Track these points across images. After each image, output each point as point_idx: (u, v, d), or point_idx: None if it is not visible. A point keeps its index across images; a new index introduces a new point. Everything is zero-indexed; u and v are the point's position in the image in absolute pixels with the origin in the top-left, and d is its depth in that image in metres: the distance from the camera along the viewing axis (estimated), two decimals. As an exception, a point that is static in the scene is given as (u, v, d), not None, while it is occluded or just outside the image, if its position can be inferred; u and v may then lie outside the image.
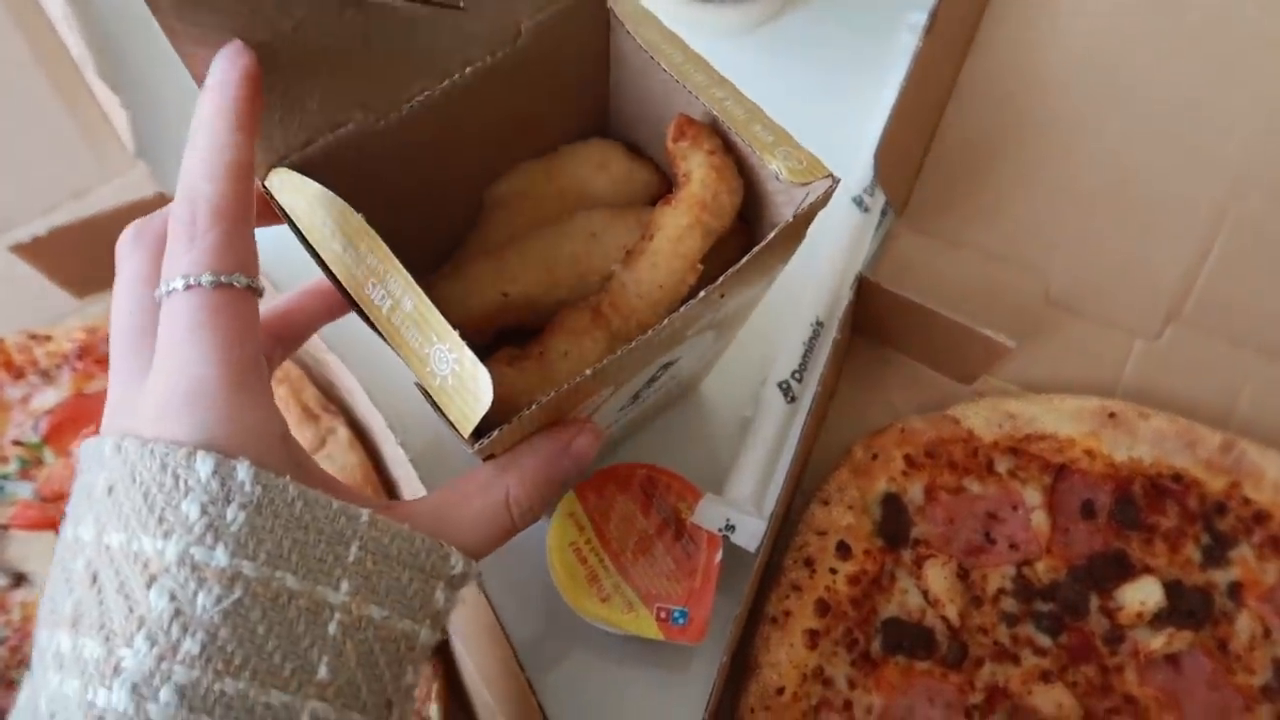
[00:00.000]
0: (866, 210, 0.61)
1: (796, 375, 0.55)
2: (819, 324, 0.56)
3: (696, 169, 0.40)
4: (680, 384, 0.53)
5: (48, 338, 0.56)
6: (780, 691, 0.48)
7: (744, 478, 0.52)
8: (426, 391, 0.36)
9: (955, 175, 0.61)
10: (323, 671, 0.31)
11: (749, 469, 0.52)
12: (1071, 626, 0.51)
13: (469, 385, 0.34)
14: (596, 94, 0.48)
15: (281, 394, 0.53)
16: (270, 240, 0.45)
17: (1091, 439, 0.54)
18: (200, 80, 0.34)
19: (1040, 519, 0.54)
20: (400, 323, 0.35)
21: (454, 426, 0.34)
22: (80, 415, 0.55)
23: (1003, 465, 0.55)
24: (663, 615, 0.49)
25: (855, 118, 0.64)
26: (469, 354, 0.34)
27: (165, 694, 0.27)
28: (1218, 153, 0.57)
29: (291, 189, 0.38)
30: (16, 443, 0.54)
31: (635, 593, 0.49)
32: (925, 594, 0.52)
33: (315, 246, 0.37)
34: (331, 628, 0.31)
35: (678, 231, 0.40)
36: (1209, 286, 0.58)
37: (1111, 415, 0.54)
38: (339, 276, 0.36)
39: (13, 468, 0.54)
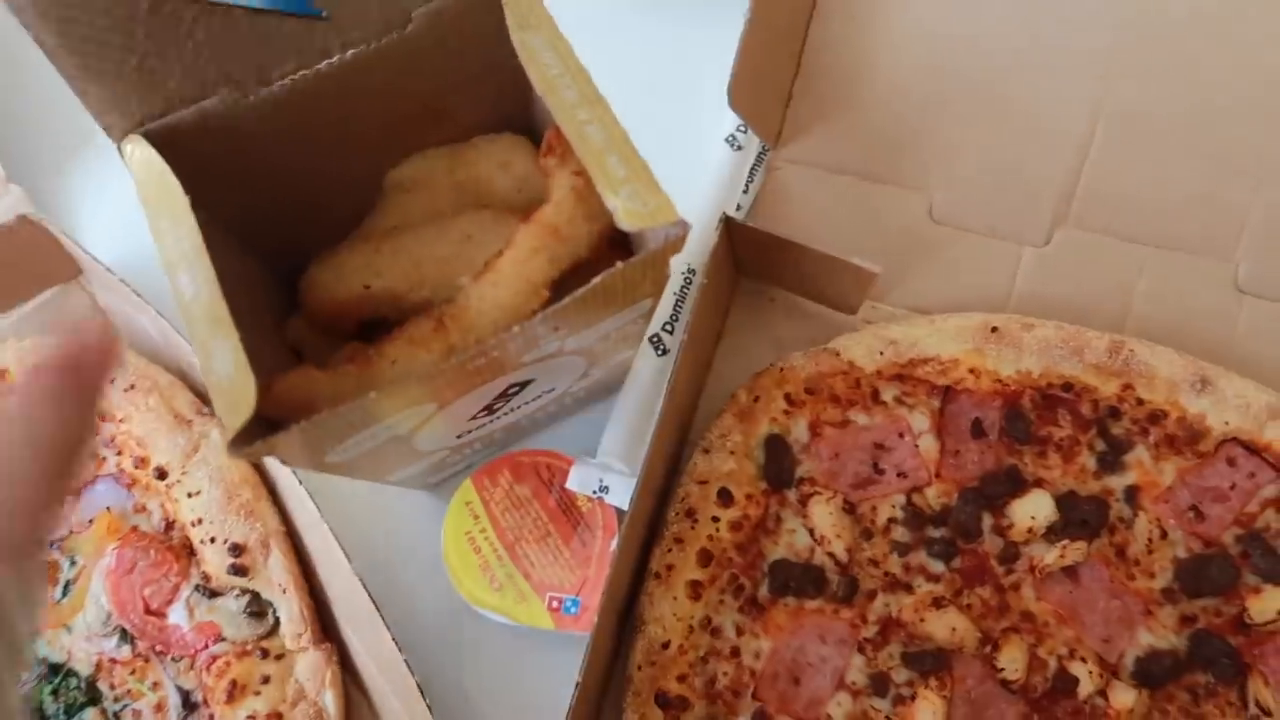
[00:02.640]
0: (740, 148, 0.60)
1: (668, 327, 0.54)
2: (690, 271, 0.55)
3: (557, 189, 0.39)
4: (576, 395, 0.52)
5: (-72, 373, 0.56)
6: (666, 645, 0.48)
7: (616, 437, 0.51)
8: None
9: (825, 100, 0.59)
10: None
11: (620, 427, 0.51)
12: (965, 549, 0.51)
13: (236, 392, 0.34)
14: (515, 85, 0.46)
15: (152, 403, 0.53)
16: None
17: (975, 356, 0.53)
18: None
19: (929, 444, 0.52)
20: (198, 313, 0.35)
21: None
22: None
23: (889, 393, 0.54)
24: (555, 605, 0.49)
25: (729, 50, 0.62)
26: (244, 362, 0.34)
27: None
28: (1086, 45, 0.55)
29: (140, 157, 0.38)
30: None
31: (528, 582, 0.49)
32: (812, 532, 0.51)
33: (148, 219, 0.37)
34: None
35: (524, 254, 0.39)
36: (1092, 185, 0.56)
37: (994, 330, 0.53)
38: (160, 252, 0.36)
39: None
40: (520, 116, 0.49)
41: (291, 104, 0.42)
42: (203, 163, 0.39)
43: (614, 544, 0.49)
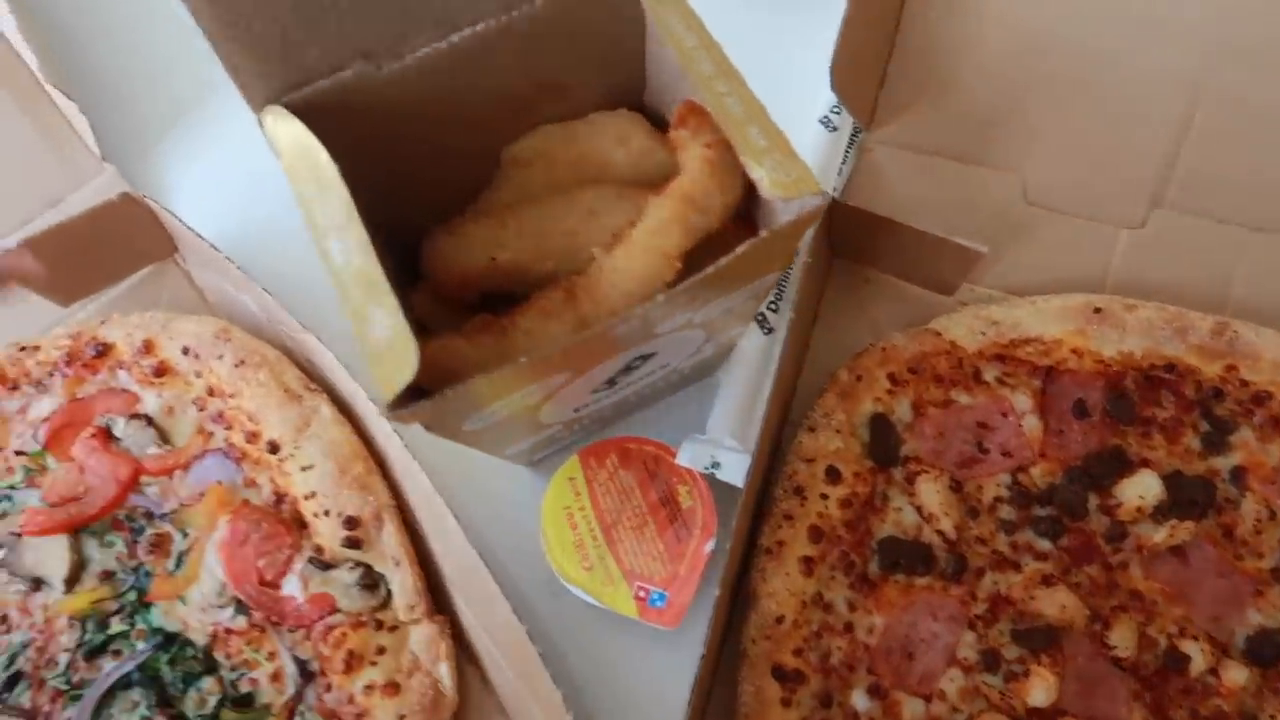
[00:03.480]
0: (835, 130, 0.60)
1: (772, 305, 0.54)
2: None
3: (690, 161, 0.39)
4: (683, 373, 0.52)
5: (36, 347, 0.57)
6: (780, 620, 0.48)
7: (725, 414, 0.51)
8: None
9: (920, 82, 0.59)
10: None
11: (730, 405, 0.52)
12: (1072, 528, 0.51)
13: (398, 354, 0.34)
14: (632, 63, 0.47)
15: (262, 377, 0.53)
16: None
17: (1078, 337, 0.53)
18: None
19: (1032, 423, 0.53)
20: (350, 279, 0.36)
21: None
22: (77, 419, 0.56)
23: (990, 373, 0.54)
24: (641, 594, 0.49)
25: (819, 35, 0.62)
26: (404, 325, 0.35)
27: None
28: (1187, 26, 0.55)
29: (284, 128, 0.38)
30: (19, 453, 0.55)
31: (619, 567, 0.49)
32: (920, 510, 0.51)
33: (294, 188, 0.38)
34: None
35: (658, 224, 0.39)
36: (1191, 166, 0.56)
37: (1097, 310, 0.53)
38: (306, 220, 0.37)
39: (19, 477, 0.55)
40: (632, 94, 0.50)
41: (420, 77, 0.42)
42: (332, 134, 0.40)
43: (709, 546, 0.49)
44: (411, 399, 0.34)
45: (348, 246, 0.37)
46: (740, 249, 0.36)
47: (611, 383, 0.46)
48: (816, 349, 0.58)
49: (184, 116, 0.69)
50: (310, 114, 0.40)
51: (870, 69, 0.59)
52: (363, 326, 0.35)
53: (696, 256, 0.41)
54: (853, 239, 0.57)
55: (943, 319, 0.55)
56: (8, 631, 0.52)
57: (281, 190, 0.66)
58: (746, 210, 0.43)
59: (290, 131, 0.39)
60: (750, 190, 0.41)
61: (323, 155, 0.38)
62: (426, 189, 0.47)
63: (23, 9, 0.63)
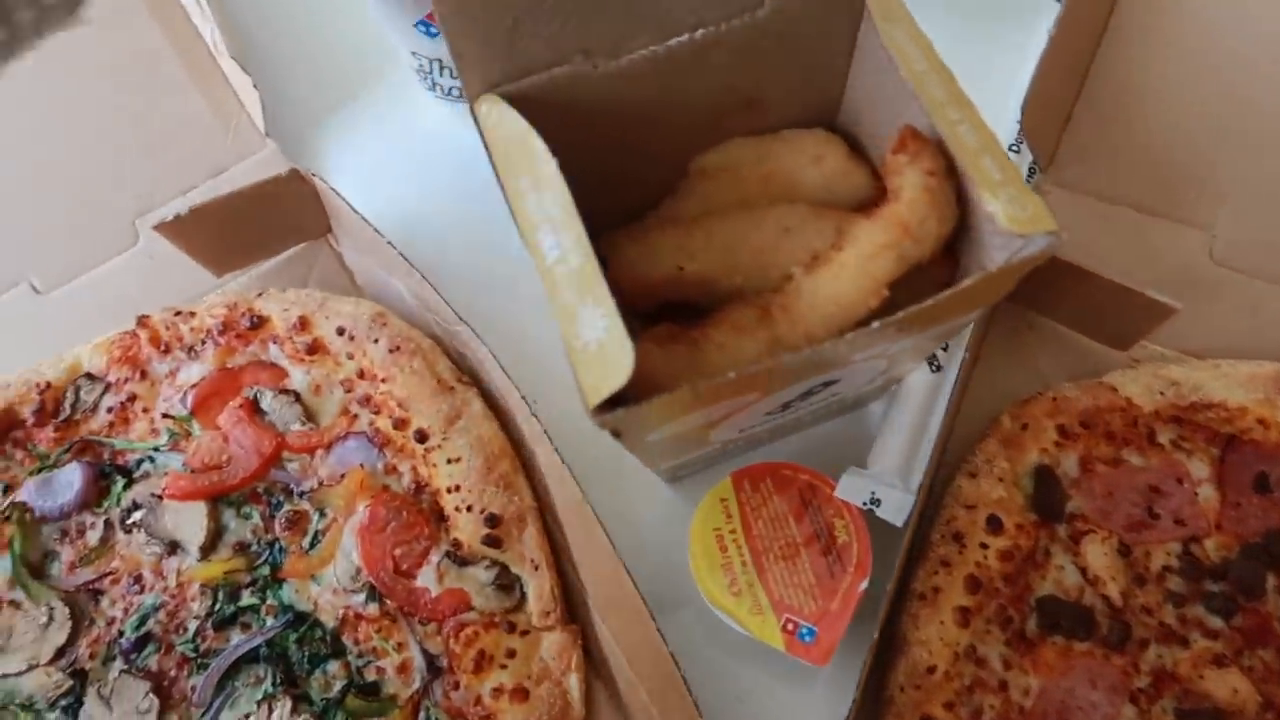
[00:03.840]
0: (1009, 167, 0.58)
1: (943, 345, 0.52)
2: (962, 288, 0.54)
3: (909, 188, 0.38)
4: (844, 402, 0.51)
5: (191, 314, 0.57)
6: (932, 670, 0.46)
7: (889, 450, 0.50)
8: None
9: (1108, 125, 0.57)
10: None
11: (894, 441, 0.50)
12: (1246, 608, 0.48)
13: (611, 357, 0.33)
14: (832, 82, 0.46)
15: (416, 365, 0.53)
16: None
17: (1265, 407, 0.50)
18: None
19: (1208, 493, 0.50)
20: (561, 277, 0.35)
21: (582, 394, 0.34)
22: (225, 388, 0.56)
23: (1165, 436, 0.51)
24: (790, 627, 0.47)
25: (999, 66, 0.60)
26: (620, 327, 0.34)
27: None
28: None
29: (497, 118, 0.38)
30: (166, 416, 0.56)
31: (767, 597, 0.47)
32: (1084, 571, 0.49)
33: (501, 179, 0.37)
34: None
35: (872, 249, 0.38)
36: (1399, 240, 0.53)
37: (1289, 381, 0.50)
38: (515, 213, 0.36)
39: (163, 440, 0.55)
40: (825, 115, 0.49)
41: (631, 79, 0.42)
42: (538, 127, 0.39)
43: (863, 585, 0.47)
44: (612, 404, 0.33)
45: (562, 243, 0.36)
46: (968, 282, 0.35)
47: (786, 406, 0.44)
48: (973, 391, 0.56)
49: (345, 103, 0.69)
50: (522, 105, 0.39)
51: (1058, 107, 0.57)
52: (571, 325, 0.34)
53: (894, 286, 0.40)
54: (1024, 282, 0.55)
55: (1118, 374, 0.53)
56: (141, 592, 0.52)
57: (432, 182, 0.66)
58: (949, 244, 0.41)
59: (506, 121, 0.39)
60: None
61: (543, 149, 0.37)
62: (609, 190, 0.46)
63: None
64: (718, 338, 0.40)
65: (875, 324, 0.35)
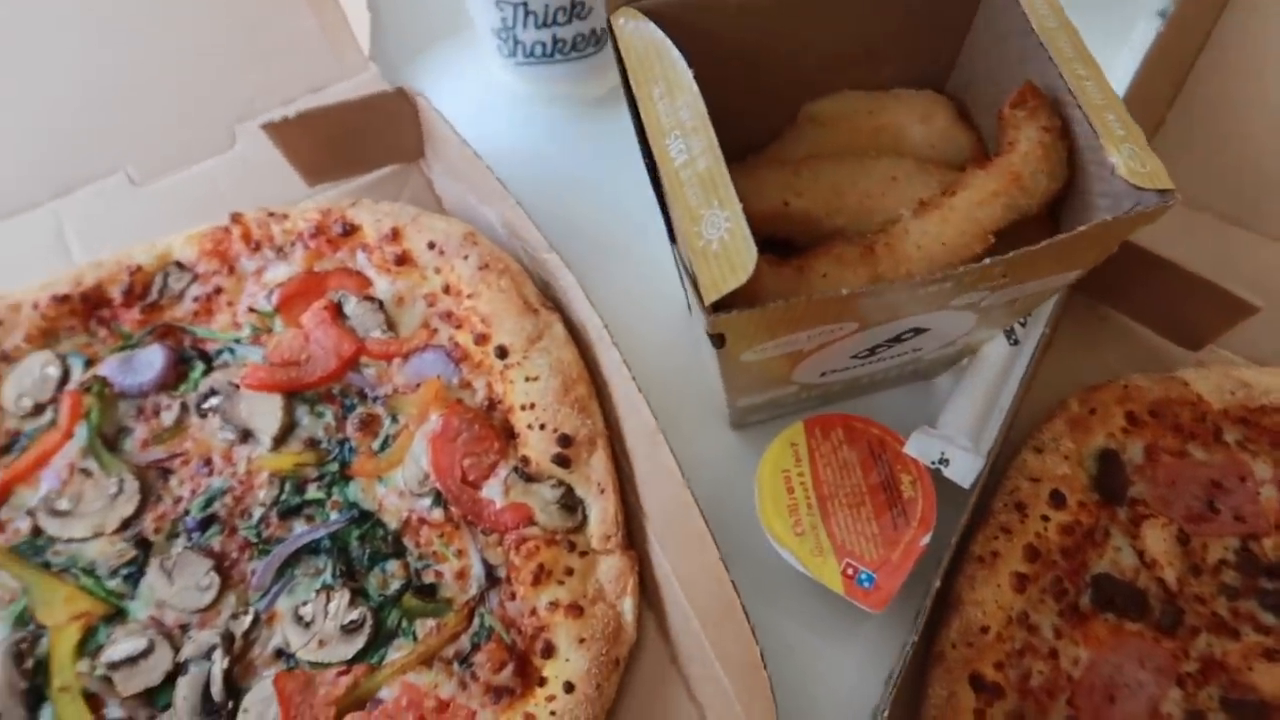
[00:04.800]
0: (1096, 165, 0.59)
1: (1021, 319, 0.53)
2: (1044, 271, 0.55)
3: (1024, 141, 0.39)
4: (918, 364, 0.52)
5: (284, 216, 0.59)
6: (984, 630, 0.47)
7: (960, 413, 0.50)
8: (680, 257, 0.37)
9: (1200, 132, 0.58)
10: None
11: (966, 405, 0.51)
12: (1299, 607, 0.48)
13: (733, 256, 0.34)
14: (948, 45, 0.47)
15: (504, 284, 0.54)
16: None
17: (1335, 417, 0.51)
18: None
19: (1270, 494, 0.51)
20: (688, 179, 0.36)
21: (697, 294, 0.35)
22: (310, 289, 0.57)
23: (1231, 435, 0.52)
24: (850, 571, 0.48)
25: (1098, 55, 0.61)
26: (745, 229, 0.35)
27: None
28: None
29: (633, 28, 0.39)
30: (251, 310, 0.57)
31: (830, 540, 0.48)
32: (1141, 555, 0.49)
33: (633, 85, 0.39)
34: None
35: (982, 195, 0.39)
36: None
37: (1360, 394, 0.51)
38: (645, 119, 0.37)
39: (245, 333, 0.57)
40: (935, 80, 0.50)
41: (762, 13, 0.43)
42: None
43: (925, 539, 0.48)
44: (726, 306, 0.34)
45: (692, 146, 0.37)
46: (1082, 229, 0.36)
47: (872, 351, 0.45)
48: (1041, 375, 0.57)
49: (446, 38, 0.71)
50: (658, 22, 0.41)
51: (1154, 108, 0.58)
52: (695, 225, 0.35)
53: (998, 238, 0.41)
54: (1101, 273, 0.55)
55: (1190, 370, 0.53)
56: (210, 475, 0.53)
57: (513, 131, 0.67)
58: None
59: (643, 33, 0.40)
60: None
61: (679, 59, 0.39)
62: (720, 125, 0.47)
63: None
64: (821, 267, 0.41)
65: (988, 260, 0.36)
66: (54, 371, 0.56)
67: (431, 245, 0.56)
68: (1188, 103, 0.58)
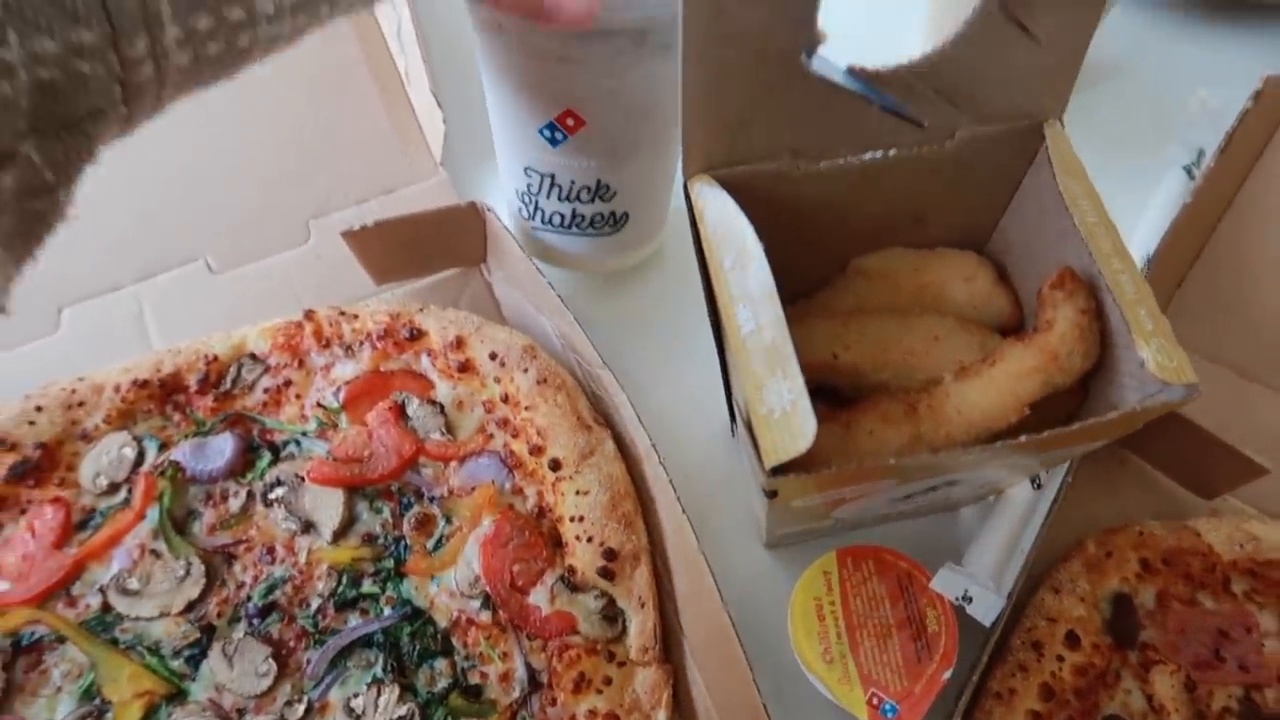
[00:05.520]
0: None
1: (1051, 467, 0.56)
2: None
3: (1062, 321, 0.42)
4: (948, 501, 0.55)
5: (355, 316, 0.62)
6: (999, 765, 0.50)
7: (985, 553, 0.53)
8: (738, 414, 0.40)
9: (1220, 289, 0.62)
10: None
11: (990, 545, 0.54)
12: (1299, 760, 0.51)
13: (793, 427, 0.37)
14: (990, 211, 0.51)
15: (560, 399, 0.57)
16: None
17: (1338, 576, 0.54)
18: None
19: (1275, 646, 0.53)
20: (754, 347, 0.39)
21: (756, 455, 0.38)
22: (375, 389, 0.61)
23: (1239, 586, 0.55)
24: (875, 701, 0.50)
25: (1123, 204, 0.65)
26: (808, 402, 0.38)
27: None
28: None
29: (709, 195, 0.43)
30: (318, 405, 0.60)
31: (857, 669, 0.51)
32: (1149, 699, 0.52)
33: (705, 249, 0.42)
34: None
35: (1021, 369, 0.42)
36: None
37: (1363, 556, 0.54)
38: (715, 283, 0.41)
39: (311, 426, 0.60)
40: (978, 238, 0.54)
41: (824, 180, 0.47)
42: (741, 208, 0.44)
43: (947, 674, 0.51)
44: (784, 469, 0.38)
45: (759, 317, 0.40)
46: (1111, 416, 0.39)
47: (908, 496, 0.49)
48: (1061, 513, 0.60)
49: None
50: (730, 188, 0.44)
51: (1178, 265, 0.61)
52: (758, 393, 0.39)
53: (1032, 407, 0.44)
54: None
55: (1202, 521, 0.56)
56: (272, 563, 0.56)
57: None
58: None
59: (718, 201, 0.44)
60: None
61: (750, 231, 0.42)
62: (777, 267, 0.51)
63: (421, 27, 0.71)
64: (868, 424, 0.45)
65: (1024, 437, 0.39)
66: (130, 453, 0.59)
67: (493, 355, 0.59)
68: (1210, 262, 0.62)
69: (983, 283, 0.51)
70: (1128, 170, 0.69)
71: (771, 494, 0.41)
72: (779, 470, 0.38)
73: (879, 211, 0.50)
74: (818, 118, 0.43)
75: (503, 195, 0.68)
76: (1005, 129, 0.46)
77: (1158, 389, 0.40)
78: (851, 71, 0.43)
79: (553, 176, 0.59)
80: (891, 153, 0.46)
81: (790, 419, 0.38)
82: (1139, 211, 0.68)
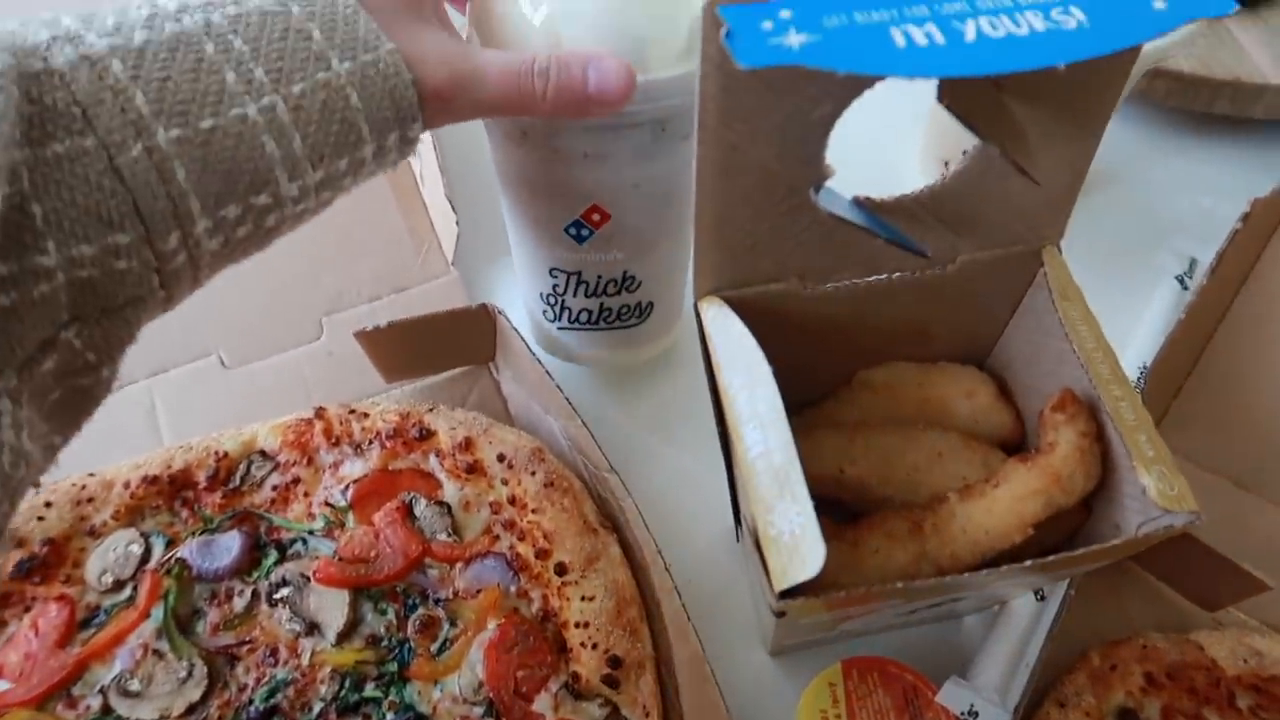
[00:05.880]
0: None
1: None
2: (1069, 527, 0.59)
3: (1064, 443, 0.44)
4: (952, 611, 0.56)
5: (365, 414, 0.63)
6: None
7: (990, 666, 0.54)
8: (745, 528, 0.41)
9: (1216, 401, 0.63)
10: (297, 88, 0.38)
11: (995, 658, 0.54)
12: None
13: (802, 551, 0.38)
14: (990, 329, 0.53)
15: (566, 503, 0.58)
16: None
17: (1342, 693, 0.54)
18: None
19: (1282, 765, 0.53)
20: (763, 469, 0.40)
21: (765, 576, 0.39)
22: (383, 488, 0.61)
23: (1244, 700, 0.55)
24: None
25: (1120, 306, 0.66)
26: (816, 527, 0.39)
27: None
28: None
29: (718, 316, 0.45)
30: (326, 504, 0.61)
31: None
32: (1157, 818, 0.52)
33: (714, 369, 0.43)
34: (319, 75, 0.39)
35: (1025, 491, 0.43)
36: None
37: (1367, 673, 0.54)
38: (724, 403, 0.42)
39: (319, 525, 0.61)
40: (978, 354, 0.55)
41: (829, 301, 0.48)
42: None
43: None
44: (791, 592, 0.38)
45: (768, 439, 0.41)
46: (1115, 543, 0.40)
47: (914, 610, 0.49)
48: (1064, 624, 0.60)
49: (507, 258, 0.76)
50: (738, 308, 0.46)
51: (1173, 377, 0.63)
52: (767, 515, 0.39)
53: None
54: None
55: (1205, 634, 0.57)
56: (275, 665, 0.56)
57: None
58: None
59: (726, 322, 0.45)
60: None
61: (759, 355, 0.43)
62: (782, 377, 0.52)
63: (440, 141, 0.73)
64: (874, 542, 0.46)
65: (1030, 562, 0.40)
66: (137, 549, 0.59)
67: (501, 458, 0.60)
68: (1205, 373, 0.64)
69: (983, 398, 0.52)
70: (1119, 277, 0.71)
71: (780, 614, 0.41)
72: (787, 593, 0.38)
73: (883, 328, 0.51)
74: (824, 244, 0.45)
75: (516, 299, 0.69)
76: (1004, 254, 0.47)
77: (1160, 514, 0.41)
78: (857, 203, 0.45)
79: (579, 274, 0.60)
80: (895, 275, 0.47)
81: (799, 543, 0.38)
82: (1132, 318, 0.70)
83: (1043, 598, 0.56)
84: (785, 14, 0.33)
